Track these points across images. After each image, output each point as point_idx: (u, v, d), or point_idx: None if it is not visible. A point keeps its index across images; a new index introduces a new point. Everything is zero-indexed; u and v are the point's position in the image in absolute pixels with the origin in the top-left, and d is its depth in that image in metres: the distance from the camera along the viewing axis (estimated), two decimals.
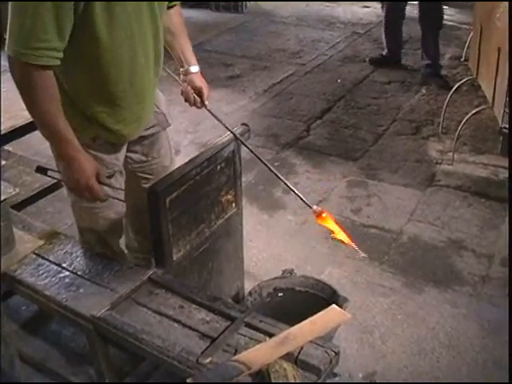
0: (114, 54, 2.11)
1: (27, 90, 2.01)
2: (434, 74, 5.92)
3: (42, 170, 2.40)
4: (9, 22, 1.92)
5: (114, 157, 2.40)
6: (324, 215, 2.30)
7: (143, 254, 2.83)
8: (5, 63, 2.01)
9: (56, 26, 1.91)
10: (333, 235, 2.36)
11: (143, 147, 2.56)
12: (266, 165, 2.49)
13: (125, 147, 2.46)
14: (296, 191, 2.42)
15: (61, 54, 1.99)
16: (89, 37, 2.03)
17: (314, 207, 2.32)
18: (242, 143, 2.50)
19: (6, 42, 1.95)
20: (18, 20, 1.90)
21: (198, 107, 2.59)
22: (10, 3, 1.91)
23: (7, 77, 2.06)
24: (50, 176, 2.43)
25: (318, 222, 2.32)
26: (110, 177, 2.37)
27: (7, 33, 1.94)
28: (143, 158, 2.59)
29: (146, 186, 2.52)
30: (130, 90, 2.25)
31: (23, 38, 1.91)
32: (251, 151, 2.48)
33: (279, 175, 2.46)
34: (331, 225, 2.33)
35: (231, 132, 2.49)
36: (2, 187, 2.27)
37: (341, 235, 2.33)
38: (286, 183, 2.45)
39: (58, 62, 2.00)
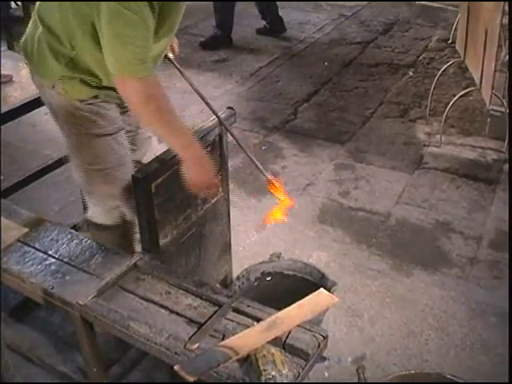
0: None
1: (151, 102, 2.08)
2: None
3: None
4: (112, 50, 2.02)
5: (116, 114, 2.44)
6: (277, 185, 2.36)
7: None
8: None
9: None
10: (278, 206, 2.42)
11: (130, 117, 2.59)
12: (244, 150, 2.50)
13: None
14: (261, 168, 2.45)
15: None
16: None
17: (269, 176, 2.38)
18: (226, 128, 2.48)
19: (116, 67, 2.04)
20: (128, 48, 2.00)
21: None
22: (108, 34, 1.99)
23: None
24: None
25: (270, 190, 2.39)
26: (116, 133, 2.42)
27: (112, 60, 2.03)
28: (128, 128, 2.62)
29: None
30: None
31: (136, 60, 2.01)
32: (232, 136, 2.46)
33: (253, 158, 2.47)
34: (281, 195, 2.39)
35: (216, 115, 2.46)
36: None
37: (280, 211, 2.41)
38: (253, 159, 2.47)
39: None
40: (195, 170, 2.23)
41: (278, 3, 6.68)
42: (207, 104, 2.51)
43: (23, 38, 2.39)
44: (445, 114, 4.51)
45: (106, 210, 2.53)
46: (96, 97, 2.33)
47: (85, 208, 2.68)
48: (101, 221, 2.57)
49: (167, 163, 2.27)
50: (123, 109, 2.51)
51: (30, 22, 2.36)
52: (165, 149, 2.33)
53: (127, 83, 2.05)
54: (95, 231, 2.62)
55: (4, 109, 2.93)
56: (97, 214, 2.57)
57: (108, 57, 2.04)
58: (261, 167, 2.43)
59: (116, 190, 2.46)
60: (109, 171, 2.43)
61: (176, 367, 1.73)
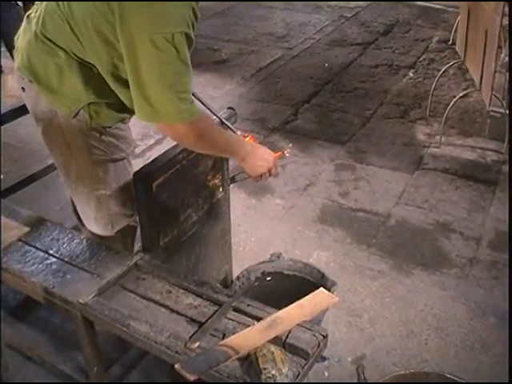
0: None
1: (207, 140, 2.09)
2: None
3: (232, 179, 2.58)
4: (155, 98, 1.90)
5: (130, 134, 2.46)
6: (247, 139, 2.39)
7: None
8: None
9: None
10: None
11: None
12: None
13: None
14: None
15: None
16: None
17: (239, 133, 2.42)
18: (228, 127, 2.49)
19: (159, 118, 1.96)
20: (171, 94, 1.92)
21: None
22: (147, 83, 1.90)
23: None
24: (238, 180, 2.54)
25: None
26: (130, 153, 2.44)
27: (155, 111, 1.92)
28: None
29: None
30: None
31: (181, 106, 1.94)
32: (235, 133, 2.47)
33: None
34: None
35: (217, 116, 2.47)
36: None
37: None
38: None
39: None
40: (251, 163, 2.28)
41: (281, 3, 6.66)
42: (206, 106, 2.50)
43: (25, 59, 2.16)
44: (445, 114, 4.52)
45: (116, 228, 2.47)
46: (122, 121, 2.30)
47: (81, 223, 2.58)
48: (106, 233, 2.47)
49: (168, 163, 2.27)
50: None
51: (31, 43, 2.14)
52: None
53: (174, 129, 2.00)
54: (98, 239, 2.56)
55: (4, 109, 2.93)
56: (103, 231, 2.47)
57: (143, 105, 1.93)
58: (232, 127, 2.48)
59: (129, 208, 2.42)
60: (122, 192, 2.38)
61: (176, 366, 1.74)
